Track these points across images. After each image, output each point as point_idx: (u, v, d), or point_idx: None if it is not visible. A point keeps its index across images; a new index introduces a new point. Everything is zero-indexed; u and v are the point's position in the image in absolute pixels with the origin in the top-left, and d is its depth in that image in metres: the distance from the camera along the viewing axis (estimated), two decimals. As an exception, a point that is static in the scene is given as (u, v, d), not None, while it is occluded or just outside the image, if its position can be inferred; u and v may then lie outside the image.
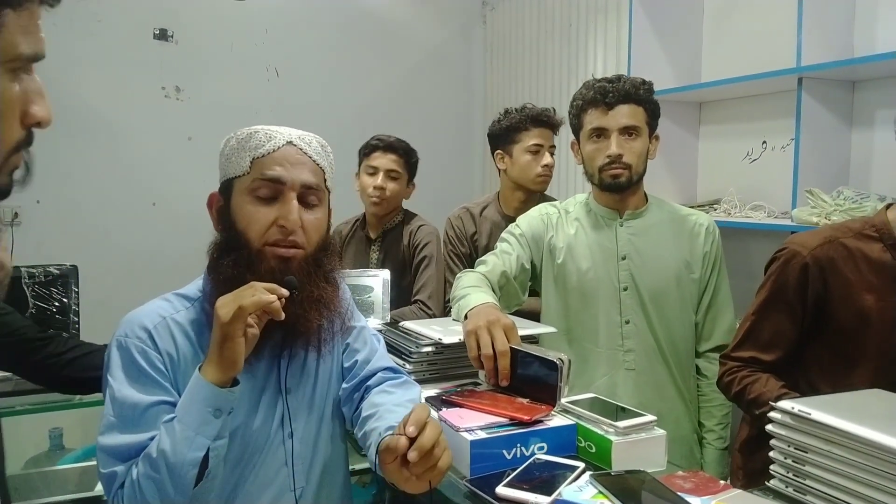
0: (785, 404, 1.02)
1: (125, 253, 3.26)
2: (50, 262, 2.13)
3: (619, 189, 1.72)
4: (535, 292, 1.86)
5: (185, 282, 1.20)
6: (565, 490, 1.01)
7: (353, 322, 1.29)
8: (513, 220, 1.93)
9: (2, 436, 0.72)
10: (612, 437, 1.13)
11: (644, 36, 2.58)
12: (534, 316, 1.78)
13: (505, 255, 1.77)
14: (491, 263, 1.74)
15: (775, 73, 2.14)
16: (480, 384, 1.43)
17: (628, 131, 1.69)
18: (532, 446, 1.15)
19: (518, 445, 1.14)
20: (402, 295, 2.32)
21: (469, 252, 2.37)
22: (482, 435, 1.12)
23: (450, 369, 1.50)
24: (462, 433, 1.13)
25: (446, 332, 1.48)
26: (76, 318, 2.12)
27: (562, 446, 1.17)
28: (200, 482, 1.00)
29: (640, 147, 1.70)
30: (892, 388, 1.13)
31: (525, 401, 1.26)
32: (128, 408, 1.04)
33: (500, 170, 2.38)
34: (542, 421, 1.19)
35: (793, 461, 1.02)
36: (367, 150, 2.44)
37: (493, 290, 1.64)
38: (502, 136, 2.33)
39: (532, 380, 1.28)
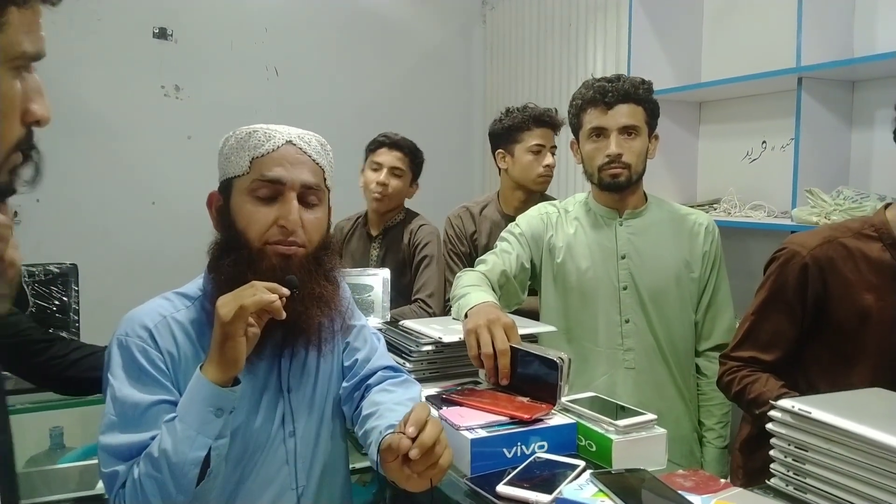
0: (785, 403, 1.02)
1: (125, 252, 3.25)
2: (50, 260, 2.12)
3: (618, 188, 1.72)
4: (533, 291, 1.86)
5: (185, 280, 1.20)
6: (566, 488, 1.01)
7: (353, 321, 1.29)
8: (512, 219, 1.93)
9: (11, 433, 0.72)
10: (613, 436, 1.13)
11: (644, 35, 2.58)
12: (532, 315, 1.79)
13: (505, 255, 1.77)
14: (491, 262, 1.74)
15: (775, 73, 2.14)
16: (480, 383, 1.43)
17: (627, 131, 1.69)
18: (532, 445, 1.15)
19: (518, 444, 1.14)
20: (401, 294, 2.32)
21: (469, 251, 2.37)
22: (482, 433, 1.13)
23: (450, 368, 1.50)
24: (462, 432, 1.13)
25: (446, 330, 1.48)
26: (76, 317, 2.12)
27: (562, 445, 1.17)
28: (202, 481, 1.00)
29: (639, 146, 1.71)
30: (891, 387, 1.13)
31: (525, 399, 1.26)
32: (129, 407, 1.04)
33: (500, 169, 2.38)
34: (542, 420, 1.19)
35: (793, 460, 1.02)
36: (372, 146, 2.47)
37: (493, 290, 1.64)
38: (504, 136, 2.33)
39: (532, 378, 1.28)
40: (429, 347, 1.47)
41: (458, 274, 1.73)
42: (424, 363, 1.48)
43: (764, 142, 2.46)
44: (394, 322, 1.76)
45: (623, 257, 1.73)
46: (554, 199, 2.22)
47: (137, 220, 3.32)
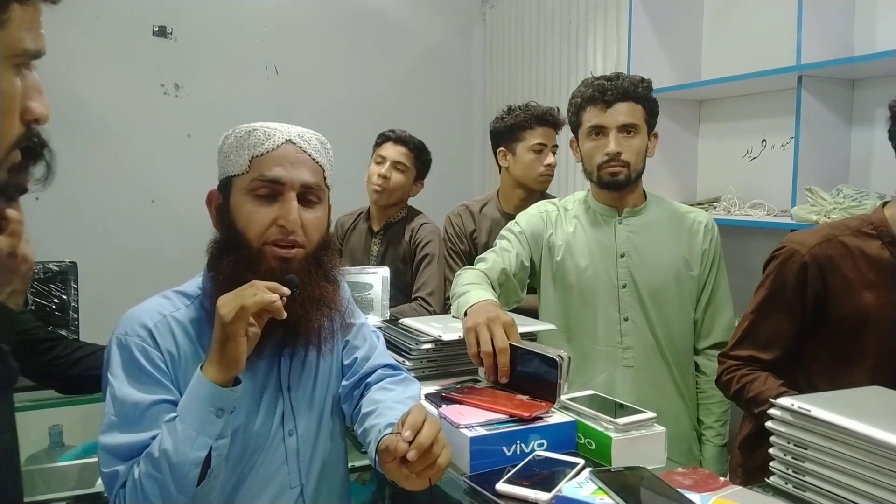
0: (784, 401, 1.03)
1: (124, 250, 3.25)
2: (49, 258, 2.12)
3: (617, 187, 1.72)
4: (532, 290, 1.86)
5: (185, 279, 1.20)
6: (565, 486, 1.01)
7: (353, 319, 1.29)
8: (512, 217, 1.93)
9: (16, 431, 0.72)
10: (612, 434, 1.13)
11: (644, 34, 2.58)
12: (531, 313, 1.79)
13: (504, 253, 1.77)
14: (490, 261, 1.74)
15: (775, 72, 2.14)
16: (480, 381, 1.43)
17: (627, 129, 1.69)
18: (532, 443, 1.15)
19: (518, 442, 1.14)
20: (401, 291, 2.32)
21: (468, 249, 2.37)
22: (482, 431, 1.13)
23: (449, 366, 1.50)
24: (462, 430, 1.13)
25: (446, 328, 1.48)
26: (75, 315, 2.12)
27: (561, 443, 1.17)
28: (203, 481, 0.99)
29: (638, 145, 1.71)
30: (891, 386, 1.13)
31: (525, 397, 1.26)
32: (129, 407, 1.04)
33: (501, 167, 2.38)
34: (541, 418, 1.19)
35: (792, 458, 1.02)
36: (379, 140, 2.51)
37: (493, 288, 1.64)
38: (506, 134, 2.33)
39: (532, 377, 1.28)
40: (428, 345, 1.47)
41: (457, 272, 1.73)
42: (424, 361, 1.48)
43: (764, 140, 2.46)
44: (393, 320, 1.76)
45: (622, 255, 1.73)
46: (554, 197, 2.22)
47: (137, 219, 3.31)
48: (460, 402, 1.25)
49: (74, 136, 3.07)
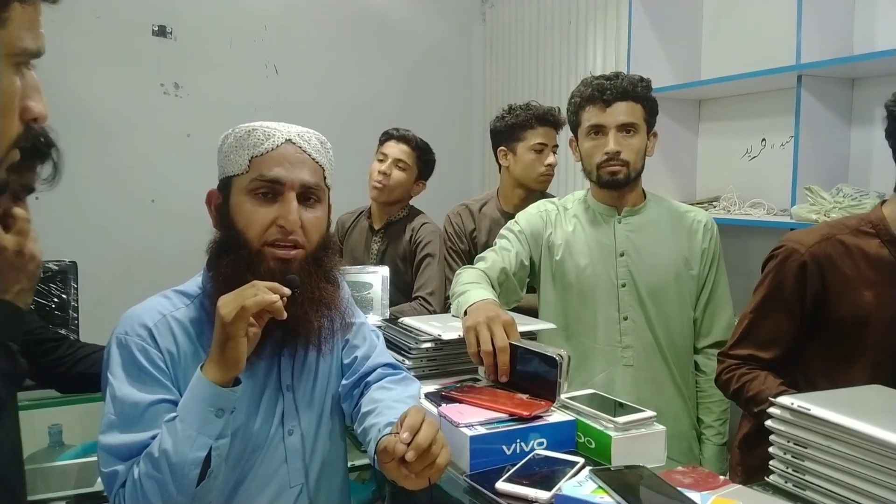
0: (784, 400, 1.03)
1: (124, 249, 3.25)
2: (49, 257, 2.12)
3: (616, 186, 1.72)
4: (532, 289, 1.86)
5: (185, 278, 1.20)
6: (565, 485, 1.01)
7: (353, 318, 1.29)
8: (512, 217, 1.93)
9: (20, 431, 0.72)
10: (612, 433, 1.13)
11: (643, 33, 2.58)
12: (531, 312, 1.79)
13: (504, 252, 1.77)
14: (490, 260, 1.74)
15: (775, 71, 2.14)
16: (480, 380, 1.43)
17: (626, 128, 1.69)
18: (531, 442, 1.15)
19: (517, 441, 1.14)
20: (400, 290, 2.32)
21: (468, 249, 2.37)
22: (482, 430, 1.13)
23: (449, 365, 1.50)
24: (462, 429, 1.13)
25: (445, 328, 1.48)
26: (75, 315, 2.12)
27: (561, 442, 1.17)
28: (203, 481, 0.99)
29: (637, 144, 1.71)
30: (891, 384, 1.13)
31: (524, 397, 1.26)
32: (128, 406, 1.04)
33: (501, 166, 2.38)
34: (541, 417, 1.19)
35: (792, 457, 1.03)
36: (382, 138, 2.51)
37: (493, 287, 1.64)
38: (506, 133, 2.33)
39: (531, 376, 1.28)
40: (428, 345, 1.47)
41: (457, 271, 1.73)
42: (424, 360, 1.48)
43: (763, 139, 2.46)
44: (393, 319, 1.76)
45: (622, 255, 1.73)
46: (554, 196, 2.22)
47: (137, 218, 3.31)
48: (460, 401, 1.25)
49: (74, 136, 3.03)
